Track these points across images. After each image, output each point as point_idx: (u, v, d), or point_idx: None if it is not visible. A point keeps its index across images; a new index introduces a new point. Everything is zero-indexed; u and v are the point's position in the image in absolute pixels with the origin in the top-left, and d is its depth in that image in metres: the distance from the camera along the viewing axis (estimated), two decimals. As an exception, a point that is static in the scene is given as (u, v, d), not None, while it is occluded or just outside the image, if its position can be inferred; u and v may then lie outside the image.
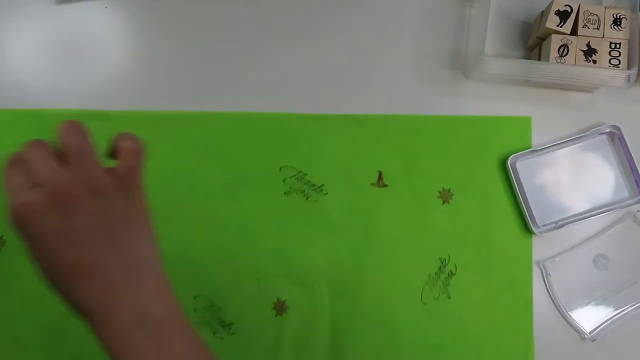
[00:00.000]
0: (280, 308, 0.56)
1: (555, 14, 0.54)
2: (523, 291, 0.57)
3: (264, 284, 0.56)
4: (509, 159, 0.57)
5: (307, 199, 0.58)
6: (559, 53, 0.54)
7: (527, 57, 0.60)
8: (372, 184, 0.58)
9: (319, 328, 0.56)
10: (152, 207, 0.37)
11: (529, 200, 0.57)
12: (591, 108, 0.60)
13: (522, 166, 0.58)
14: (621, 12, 0.54)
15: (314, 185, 0.58)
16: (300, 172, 0.58)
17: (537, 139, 0.59)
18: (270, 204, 0.57)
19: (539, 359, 0.55)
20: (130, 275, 0.34)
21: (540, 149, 0.58)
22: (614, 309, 0.56)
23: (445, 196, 0.58)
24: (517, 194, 0.57)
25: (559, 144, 0.58)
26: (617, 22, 0.54)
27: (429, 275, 0.57)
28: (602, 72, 0.53)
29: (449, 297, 0.57)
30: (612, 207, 0.57)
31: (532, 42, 0.59)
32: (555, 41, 0.54)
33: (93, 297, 0.33)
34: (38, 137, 0.33)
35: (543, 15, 0.56)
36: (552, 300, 0.56)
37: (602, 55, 0.53)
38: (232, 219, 0.57)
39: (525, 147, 0.58)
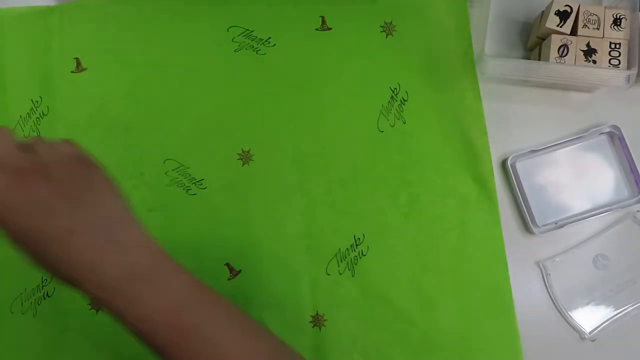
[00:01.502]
0: (245, 157, 0.59)
1: (555, 14, 0.54)
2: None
3: (227, 137, 0.60)
4: (509, 159, 0.57)
5: (256, 53, 0.60)
6: (559, 53, 0.54)
7: (527, 57, 0.60)
8: (316, 29, 0.60)
9: (285, 170, 0.59)
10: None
11: (529, 200, 0.57)
12: (591, 108, 0.59)
13: (522, 166, 0.58)
14: (621, 12, 0.54)
15: (261, 39, 0.60)
16: (247, 29, 0.61)
17: (537, 139, 0.59)
18: (222, 62, 0.61)
19: (538, 359, 0.55)
20: (107, 233, 0.35)
21: (540, 149, 0.58)
22: (614, 309, 0.56)
23: (388, 29, 0.60)
24: (517, 193, 0.57)
25: (559, 144, 0.58)
26: (617, 22, 0.54)
27: (382, 105, 0.59)
28: (602, 72, 0.53)
29: (405, 122, 0.59)
30: (612, 207, 0.57)
31: (532, 42, 0.59)
32: (555, 41, 0.54)
33: (76, 262, 0.33)
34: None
35: (543, 15, 0.56)
36: (552, 300, 0.56)
37: (602, 56, 0.53)
38: (191, 81, 0.61)
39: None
